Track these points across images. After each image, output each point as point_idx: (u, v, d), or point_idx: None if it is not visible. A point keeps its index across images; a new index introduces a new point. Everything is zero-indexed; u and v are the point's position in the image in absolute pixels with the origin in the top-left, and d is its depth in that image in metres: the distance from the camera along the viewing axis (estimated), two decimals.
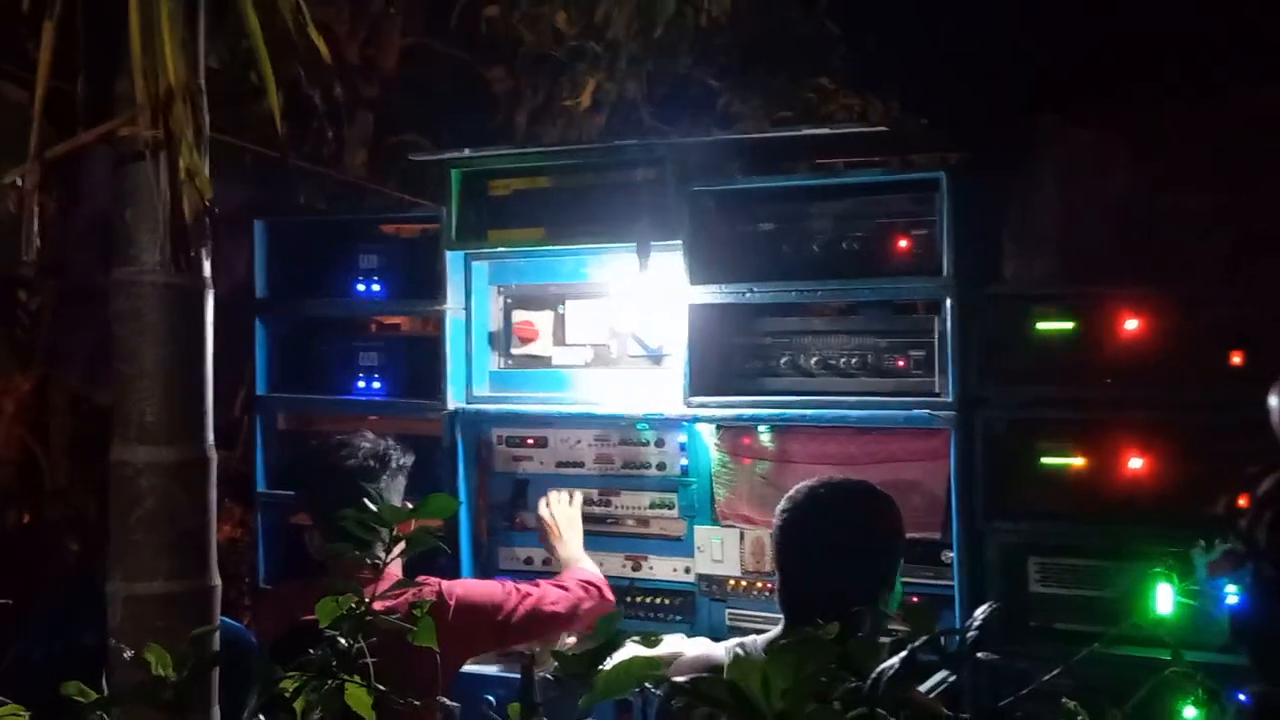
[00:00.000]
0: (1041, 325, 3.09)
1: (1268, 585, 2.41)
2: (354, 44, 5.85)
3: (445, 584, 3.14)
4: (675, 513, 3.60)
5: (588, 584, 3.33)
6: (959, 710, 1.74)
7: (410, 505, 1.87)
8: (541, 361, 3.75)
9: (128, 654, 2.08)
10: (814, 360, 3.34)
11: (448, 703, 2.39)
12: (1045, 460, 3.09)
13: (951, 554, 3.15)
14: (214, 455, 2.37)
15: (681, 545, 3.60)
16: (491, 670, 3.39)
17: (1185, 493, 2.93)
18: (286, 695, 1.68)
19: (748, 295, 3.35)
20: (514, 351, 3.78)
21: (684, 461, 3.58)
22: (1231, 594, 2.80)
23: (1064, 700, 1.69)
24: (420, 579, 2.98)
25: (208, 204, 2.24)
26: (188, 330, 2.31)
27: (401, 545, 1.83)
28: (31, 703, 1.78)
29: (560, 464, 3.72)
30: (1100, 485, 3.03)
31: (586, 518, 3.64)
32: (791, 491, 2.77)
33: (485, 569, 3.76)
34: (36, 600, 3.42)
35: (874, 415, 3.22)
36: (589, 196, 3.59)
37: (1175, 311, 2.99)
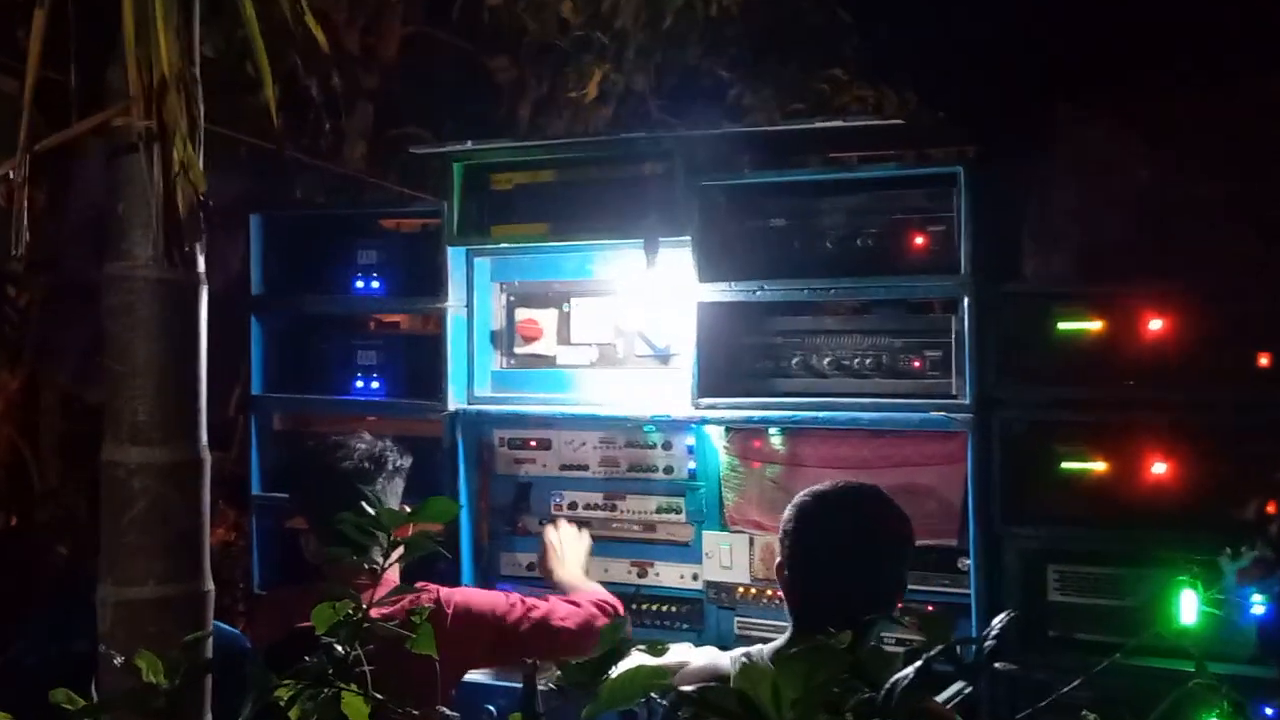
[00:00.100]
0: (1062, 324, 3.09)
1: None
2: (353, 32, 5.85)
3: (445, 591, 3.14)
4: (683, 517, 3.60)
5: (603, 603, 3.27)
6: None
7: (409, 508, 1.87)
8: (545, 361, 3.75)
9: (118, 660, 2.08)
10: (826, 360, 3.33)
11: (447, 712, 2.39)
12: (1065, 464, 3.08)
13: (968, 561, 3.14)
14: (208, 456, 2.37)
15: (689, 551, 3.59)
16: (492, 679, 3.39)
17: (1211, 497, 2.93)
18: (281, 704, 1.68)
19: (758, 293, 3.34)
20: (517, 351, 3.78)
21: (692, 465, 3.58)
22: (1258, 603, 2.80)
23: (1084, 713, 1.69)
24: (419, 585, 2.98)
25: (202, 197, 2.25)
26: (181, 327, 2.32)
27: (400, 550, 1.83)
28: (24, 709, 1.79)
29: (564, 467, 3.72)
30: (1122, 490, 3.02)
31: (590, 522, 3.64)
32: (799, 495, 2.78)
33: (486, 575, 3.76)
34: (29, 605, 3.43)
35: (888, 418, 3.21)
36: (595, 191, 3.59)
37: (1200, 309, 2.99)
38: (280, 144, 4.67)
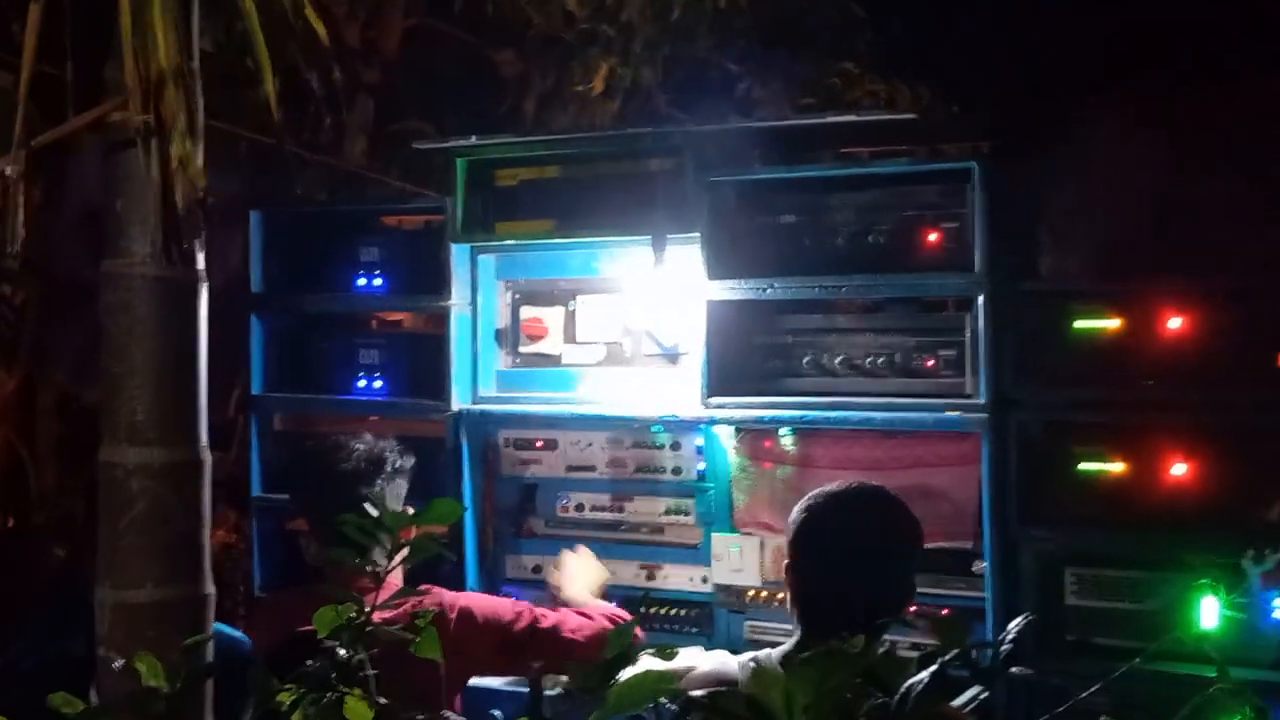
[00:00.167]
0: (1079, 323, 3.08)
1: None
2: (354, 26, 5.86)
3: (450, 595, 3.14)
4: (692, 519, 3.60)
5: (615, 617, 3.26)
6: None
7: (412, 510, 1.87)
8: (551, 360, 3.75)
9: (117, 664, 2.09)
10: (838, 360, 3.33)
11: (453, 716, 2.40)
12: (1083, 465, 3.08)
13: (983, 564, 3.14)
14: (207, 457, 2.37)
15: (698, 554, 3.59)
16: (499, 684, 3.39)
17: (1232, 499, 2.92)
18: (283, 709, 1.68)
19: (768, 291, 3.34)
20: (522, 350, 3.78)
21: (701, 466, 3.58)
22: None
23: (1102, 719, 1.68)
24: (423, 588, 2.99)
25: (201, 194, 2.25)
26: (180, 326, 2.32)
27: (405, 552, 1.83)
28: (22, 712, 1.79)
29: (570, 468, 3.72)
30: (1141, 491, 3.02)
31: (597, 524, 3.65)
32: (808, 496, 2.78)
33: (491, 578, 3.76)
34: (27, 607, 3.44)
35: (902, 418, 3.21)
36: (601, 187, 3.59)
37: (1220, 307, 2.98)
38: (280, 139, 4.68)
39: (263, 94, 2.40)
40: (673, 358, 3.60)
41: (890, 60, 6.24)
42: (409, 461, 3.27)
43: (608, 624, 3.20)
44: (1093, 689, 1.76)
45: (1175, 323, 2.99)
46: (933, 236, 3.23)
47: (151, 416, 2.28)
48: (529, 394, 3.74)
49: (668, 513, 3.62)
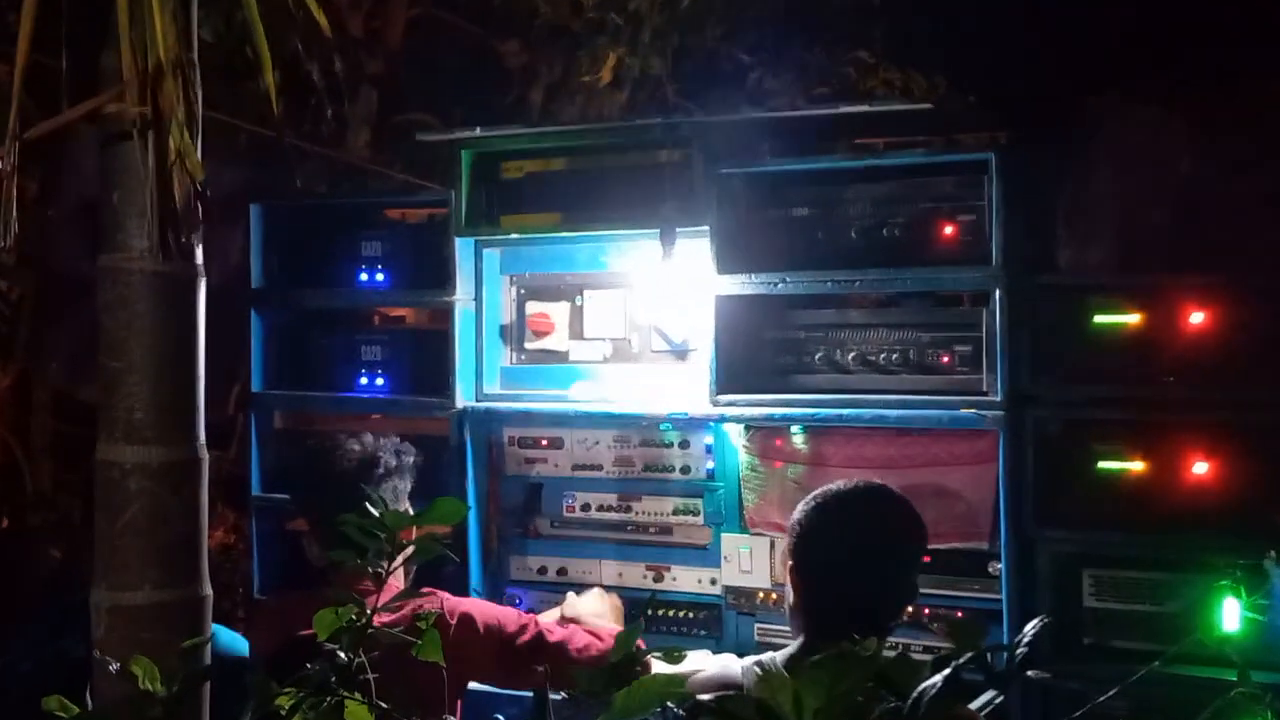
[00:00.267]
0: (1099, 318, 3.08)
1: None
2: (357, 15, 5.87)
3: (452, 600, 3.14)
4: (700, 520, 3.60)
5: None
6: None
7: (413, 510, 1.87)
8: (557, 356, 3.76)
9: (113, 667, 2.10)
10: (851, 356, 3.33)
11: None
12: (1102, 464, 3.08)
13: (999, 565, 3.14)
14: (206, 456, 2.38)
15: (707, 555, 3.59)
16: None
17: (1255, 499, 2.92)
18: (282, 713, 1.69)
19: (779, 286, 3.34)
20: (527, 346, 3.79)
21: (710, 464, 3.58)
22: None
23: None
24: (425, 590, 2.99)
25: (200, 187, 2.26)
26: (178, 322, 2.33)
27: (408, 551, 1.83)
28: (17, 716, 1.80)
29: (576, 467, 3.72)
30: (1161, 491, 3.01)
31: (603, 524, 3.65)
32: (813, 495, 2.79)
33: (495, 580, 3.77)
34: (22, 610, 3.46)
35: (916, 415, 3.21)
36: (609, 179, 3.59)
37: (1244, 303, 2.97)
38: (281, 131, 4.69)
39: (263, 85, 2.40)
40: (681, 354, 3.60)
41: (906, 49, 6.23)
42: (408, 458, 3.27)
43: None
44: (1110, 693, 1.76)
45: (1197, 318, 2.98)
46: (949, 229, 3.23)
47: (149, 414, 2.29)
48: (534, 391, 3.74)
49: (676, 513, 3.62)
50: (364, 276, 3.92)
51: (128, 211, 2.27)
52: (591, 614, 3.38)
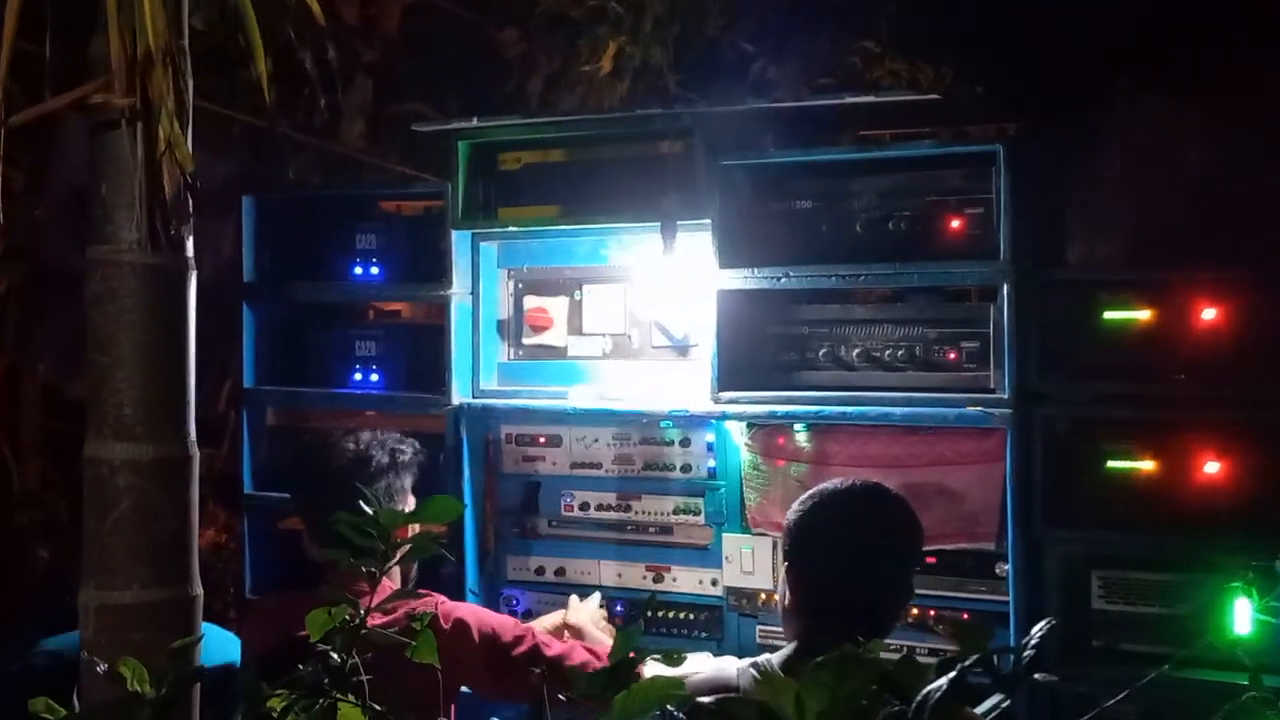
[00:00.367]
0: (1109, 314, 3.08)
1: None
2: (352, 2, 5.86)
3: (449, 604, 3.14)
4: (701, 519, 3.60)
5: None
6: None
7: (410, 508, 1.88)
8: (555, 352, 3.76)
9: (101, 668, 2.10)
10: (856, 352, 3.33)
11: None
12: (1111, 463, 3.08)
13: (1006, 566, 3.14)
14: (196, 453, 2.38)
15: (708, 555, 3.60)
16: None
17: (1267, 499, 2.92)
18: (274, 715, 1.69)
19: (783, 280, 3.34)
20: (525, 341, 3.79)
21: (711, 463, 3.58)
22: None
23: None
24: (421, 592, 3.00)
25: (190, 178, 2.26)
26: (169, 315, 2.33)
27: (404, 549, 1.83)
28: (4, 717, 1.81)
29: (575, 465, 3.72)
30: (1172, 491, 3.01)
31: (602, 524, 3.65)
32: (811, 494, 2.80)
33: (492, 580, 3.77)
34: (9, 610, 3.46)
35: (922, 413, 3.21)
36: (609, 171, 3.59)
37: (1257, 299, 2.97)
38: (273, 121, 4.69)
39: (255, 74, 2.40)
40: (682, 350, 3.60)
41: (913, 38, 6.22)
42: (405, 455, 3.27)
43: None
44: (1119, 696, 1.76)
45: (1209, 314, 2.98)
46: (956, 223, 3.23)
47: (139, 410, 2.29)
48: (532, 387, 3.74)
49: (676, 512, 3.62)
50: (358, 270, 3.92)
51: (116, 203, 2.27)
52: (593, 622, 3.38)
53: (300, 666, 1.74)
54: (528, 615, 3.67)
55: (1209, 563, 2.94)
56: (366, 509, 1.81)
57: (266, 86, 2.46)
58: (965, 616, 3.23)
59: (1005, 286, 3.10)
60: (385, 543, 1.79)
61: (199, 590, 2.36)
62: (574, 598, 3.48)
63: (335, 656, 1.72)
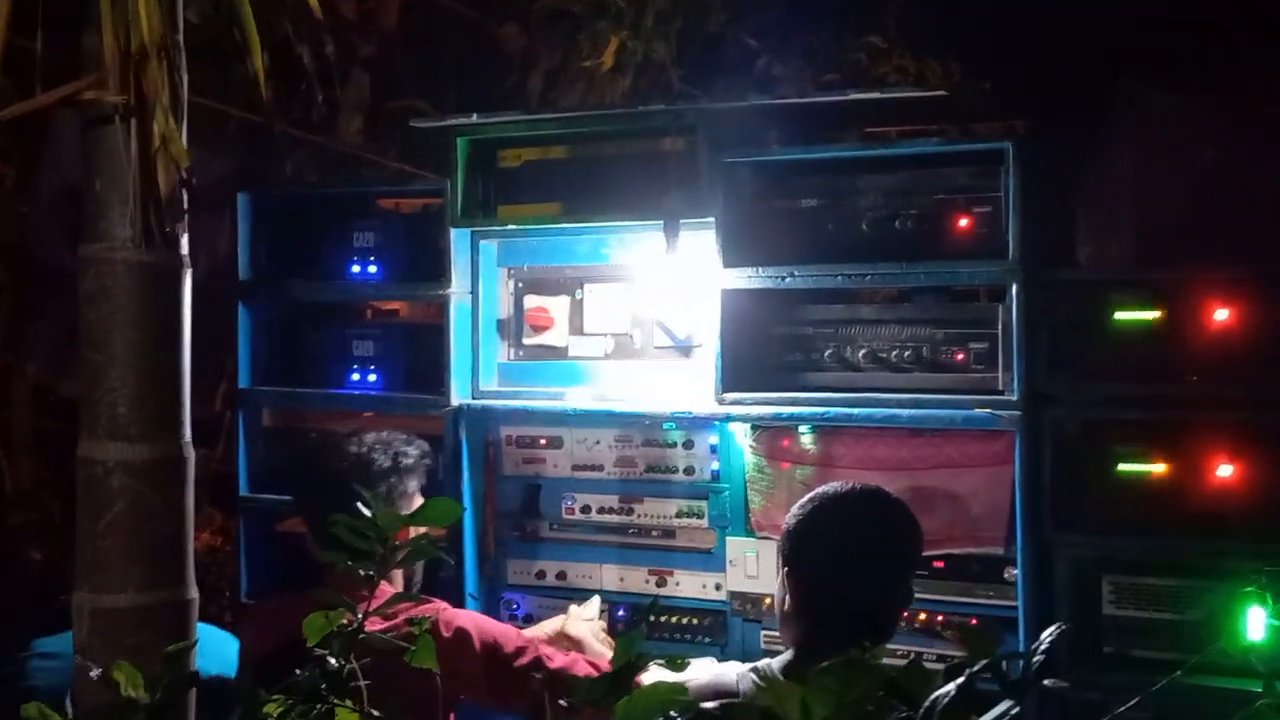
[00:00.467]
0: (1119, 314, 3.07)
1: None
2: None
3: (451, 611, 3.14)
4: (705, 522, 3.60)
5: None
6: None
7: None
8: (556, 352, 3.76)
9: (95, 672, 2.10)
10: (862, 353, 3.33)
11: None
12: (1122, 466, 3.07)
13: (1015, 571, 3.14)
14: (191, 454, 2.39)
15: (712, 559, 3.60)
16: None
17: None
18: None
19: (788, 280, 3.34)
20: (526, 341, 3.79)
21: (715, 465, 3.58)
22: None
23: None
24: (423, 598, 2.99)
25: (185, 174, 2.26)
26: (163, 313, 2.33)
27: (401, 553, 1.83)
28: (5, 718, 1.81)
29: (576, 467, 3.72)
30: (1184, 494, 3.01)
31: (604, 527, 3.65)
32: (811, 497, 2.81)
33: (492, 584, 3.77)
34: (2, 614, 3.46)
35: (929, 415, 3.21)
36: (610, 168, 3.59)
37: (1270, 298, 2.97)
38: (270, 117, 4.70)
39: (251, 69, 2.40)
40: (686, 350, 3.60)
41: (920, 34, 6.21)
42: (409, 459, 3.26)
43: None
44: (1131, 703, 1.76)
45: (1221, 314, 2.98)
46: (963, 222, 3.23)
47: (133, 410, 2.29)
48: (533, 388, 3.74)
49: (680, 515, 3.62)
50: (356, 269, 3.92)
51: (110, 199, 2.27)
52: (593, 634, 3.37)
53: (298, 671, 1.74)
54: (528, 620, 3.67)
55: (1222, 567, 2.94)
56: (365, 511, 1.81)
57: (263, 81, 2.46)
58: (973, 622, 3.23)
59: (1014, 286, 3.10)
60: (383, 546, 1.79)
61: (194, 593, 2.36)
62: (573, 607, 3.48)
63: (333, 661, 1.72)
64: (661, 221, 3.45)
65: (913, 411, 3.21)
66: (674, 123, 3.52)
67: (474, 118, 3.71)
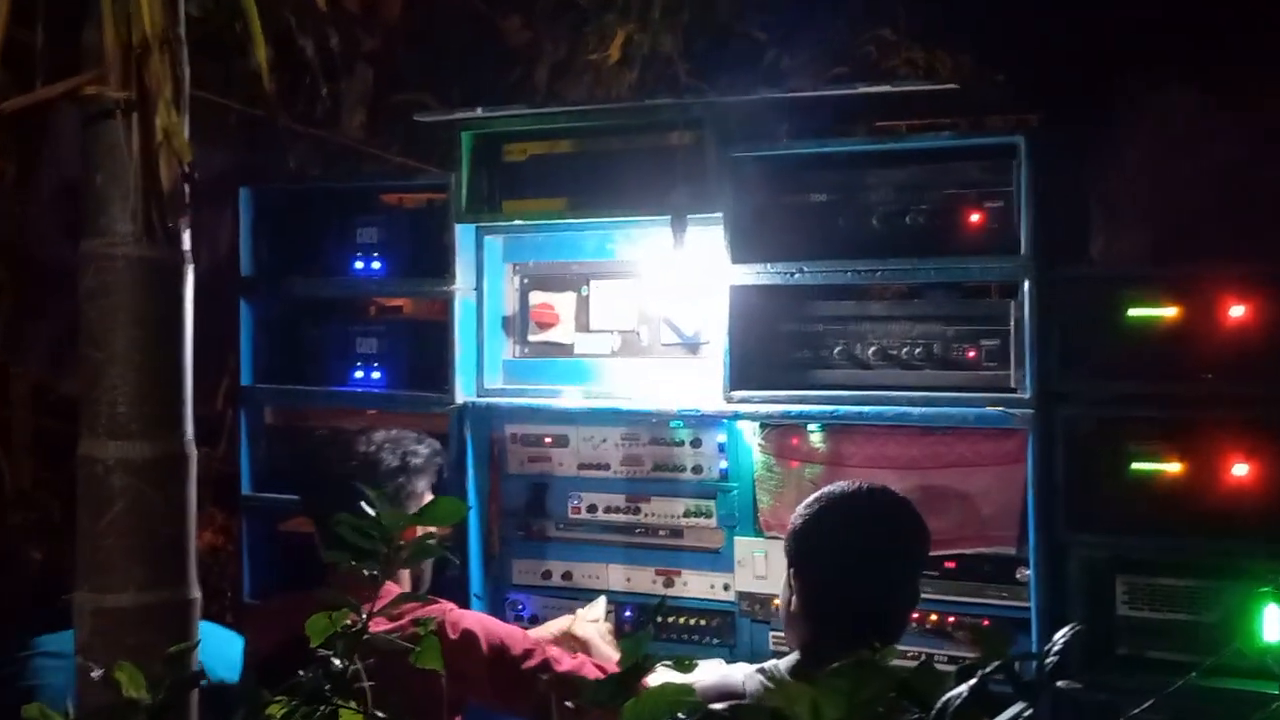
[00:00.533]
0: (1133, 311, 3.07)
1: None
2: None
3: (457, 612, 3.13)
4: (713, 522, 3.60)
5: None
6: None
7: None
8: (562, 350, 3.76)
9: (96, 673, 2.10)
10: (872, 350, 3.33)
11: None
12: (1136, 465, 3.07)
13: (1028, 571, 3.13)
14: (193, 452, 2.39)
15: (720, 559, 3.60)
16: None
17: None
18: None
19: (797, 276, 3.34)
20: (531, 338, 3.79)
21: (723, 464, 3.58)
22: None
23: None
24: (430, 598, 2.99)
25: (187, 169, 2.26)
26: (164, 310, 2.33)
27: (409, 552, 1.83)
28: (5, 717, 1.81)
29: (583, 466, 3.72)
30: (1199, 494, 3.01)
31: (611, 526, 3.65)
32: (816, 497, 2.81)
33: (497, 584, 3.77)
34: (7, 611, 3.47)
35: (940, 413, 3.21)
36: (617, 163, 3.59)
37: None
38: (273, 111, 4.70)
39: (254, 63, 2.41)
40: (693, 348, 3.60)
41: (931, 26, 6.20)
42: (418, 458, 3.26)
43: None
44: (1145, 705, 1.76)
45: (1237, 311, 2.97)
46: (975, 217, 3.22)
47: (133, 408, 2.29)
48: (538, 386, 3.74)
49: (687, 514, 3.62)
50: (359, 264, 3.92)
51: (111, 194, 2.27)
52: (600, 636, 3.37)
53: (300, 672, 1.74)
54: (534, 620, 3.67)
55: (1237, 568, 2.94)
56: (369, 510, 1.81)
57: (266, 75, 2.47)
58: (985, 623, 3.22)
59: (1026, 282, 3.09)
60: (387, 545, 1.79)
61: (196, 593, 2.36)
62: (580, 609, 3.47)
63: (336, 662, 1.72)
64: (669, 217, 3.45)
65: (923, 409, 3.21)
66: (681, 117, 3.52)
67: (479, 112, 3.71)
